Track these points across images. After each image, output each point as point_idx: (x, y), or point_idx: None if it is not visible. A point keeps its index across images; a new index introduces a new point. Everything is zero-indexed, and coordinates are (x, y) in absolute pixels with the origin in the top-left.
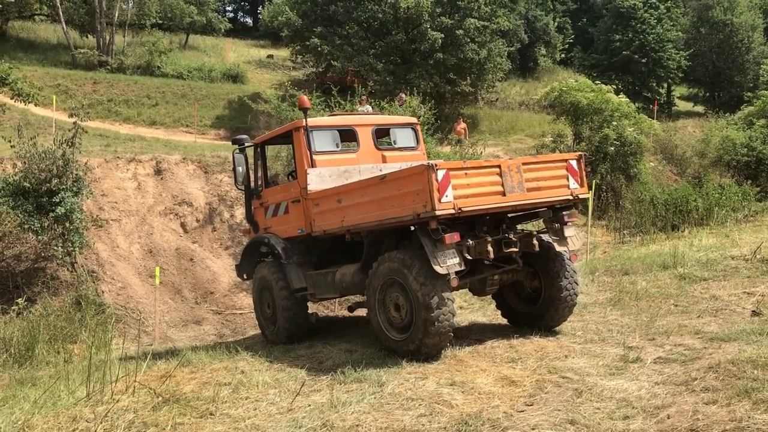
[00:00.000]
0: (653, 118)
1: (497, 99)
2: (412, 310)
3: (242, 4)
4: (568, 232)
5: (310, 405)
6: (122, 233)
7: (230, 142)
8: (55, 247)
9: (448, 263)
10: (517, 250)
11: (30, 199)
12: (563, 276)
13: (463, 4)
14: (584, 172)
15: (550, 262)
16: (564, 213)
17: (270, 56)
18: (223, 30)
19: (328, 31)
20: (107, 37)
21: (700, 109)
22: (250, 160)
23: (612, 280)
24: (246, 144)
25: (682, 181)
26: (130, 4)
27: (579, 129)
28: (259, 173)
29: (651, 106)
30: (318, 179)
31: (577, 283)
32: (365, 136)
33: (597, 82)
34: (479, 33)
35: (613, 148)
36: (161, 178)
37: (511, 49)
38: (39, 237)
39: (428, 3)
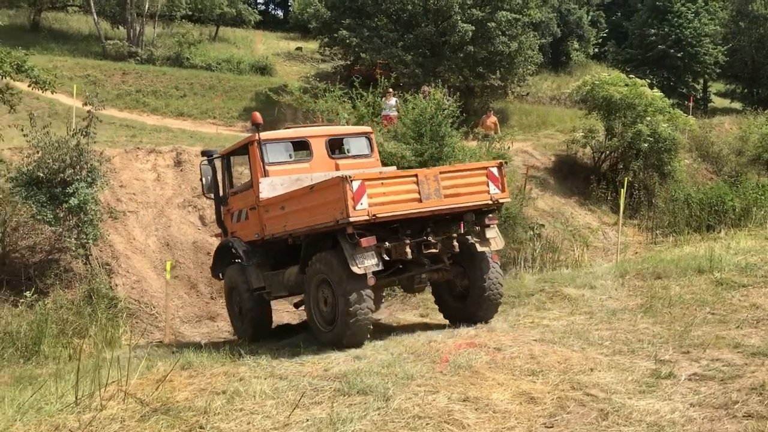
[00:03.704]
0: (689, 114)
1: (528, 93)
2: (336, 305)
3: None
4: (490, 233)
5: (308, 420)
6: (139, 225)
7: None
8: (68, 239)
9: (366, 264)
10: (437, 251)
11: (43, 189)
12: (487, 275)
13: None
14: (504, 179)
15: (475, 261)
16: (485, 217)
17: (299, 49)
18: (252, 22)
19: (357, 23)
20: (137, 28)
21: (737, 105)
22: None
23: (643, 285)
24: (213, 156)
25: (718, 179)
26: None
27: (611, 124)
28: (227, 182)
29: (686, 102)
30: (269, 188)
31: (501, 283)
32: (318, 147)
33: (631, 76)
34: (510, 25)
35: (646, 145)
36: (181, 170)
37: (543, 41)
38: (53, 228)
39: None
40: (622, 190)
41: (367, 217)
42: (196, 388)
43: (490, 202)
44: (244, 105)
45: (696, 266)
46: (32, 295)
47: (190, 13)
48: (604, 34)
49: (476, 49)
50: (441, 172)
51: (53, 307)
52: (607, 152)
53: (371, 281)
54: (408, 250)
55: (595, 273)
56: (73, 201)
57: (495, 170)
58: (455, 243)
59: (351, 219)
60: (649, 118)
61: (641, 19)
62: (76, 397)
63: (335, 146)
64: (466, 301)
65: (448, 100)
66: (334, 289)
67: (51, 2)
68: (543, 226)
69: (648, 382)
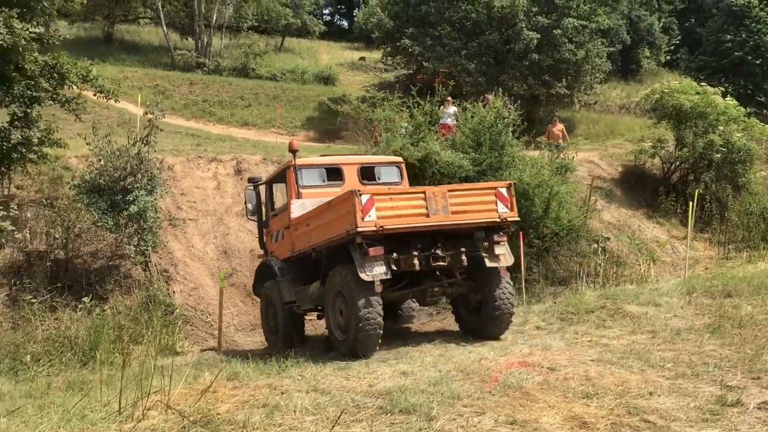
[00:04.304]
0: (767, 124)
1: (595, 102)
2: (349, 313)
3: (339, 7)
4: (499, 250)
5: None
6: (198, 233)
7: (247, 181)
8: (128, 246)
9: (374, 272)
10: (445, 264)
11: (104, 196)
12: (497, 288)
13: (561, 3)
14: (514, 198)
15: (487, 276)
16: (494, 234)
17: (362, 58)
18: (317, 32)
19: (420, 32)
20: (205, 40)
21: None
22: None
23: (712, 303)
24: (258, 183)
25: None
26: (230, 9)
27: (681, 134)
28: (268, 207)
29: (765, 110)
30: (300, 208)
31: (512, 294)
32: (350, 173)
33: (703, 84)
34: (577, 32)
35: (719, 155)
36: (240, 179)
37: (612, 49)
38: (113, 235)
39: (523, 2)
40: (691, 202)
41: (374, 228)
42: (238, 400)
43: (498, 219)
44: (306, 114)
45: None
46: (90, 300)
47: (256, 24)
48: (677, 41)
49: (542, 57)
50: (449, 190)
51: (111, 313)
52: (677, 163)
53: (379, 288)
54: (416, 261)
55: (660, 289)
56: (133, 208)
57: (504, 190)
58: (463, 257)
59: (359, 229)
60: (721, 128)
61: (716, 24)
62: (119, 406)
63: (368, 174)
64: (480, 315)
65: (509, 109)
66: (346, 297)
67: (123, 15)
68: (608, 239)
69: (712, 409)
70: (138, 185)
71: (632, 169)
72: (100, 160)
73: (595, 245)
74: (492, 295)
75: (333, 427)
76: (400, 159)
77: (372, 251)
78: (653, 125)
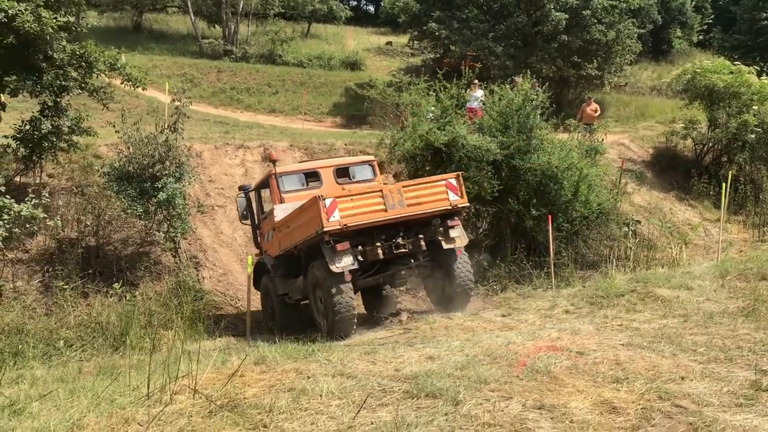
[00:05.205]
0: None
1: (626, 83)
2: (325, 301)
3: None
4: (453, 233)
5: (372, 423)
6: (227, 219)
7: (238, 188)
8: (158, 233)
9: (342, 264)
10: (407, 251)
11: (133, 183)
12: (455, 265)
13: None
14: (463, 187)
15: (447, 257)
16: (448, 219)
17: (389, 43)
18: (344, 18)
19: (446, 15)
20: (232, 27)
21: None
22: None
23: (746, 286)
24: (247, 190)
25: None
26: None
27: (714, 114)
28: (258, 210)
29: None
30: (283, 212)
31: (470, 271)
32: (327, 175)
33: (736, 63)
34: (607, 13)
35: (753, 136)
36: (268, 165)
37: (643, 30)
38: (143, 221)
39: None
40: (725, 184)
41: (339, 227)
42: (265, 384)
43: (450, 207)
44: (333, 100)
45: None
46: (121, 287)
47: (282, 10)
48: (710, 20)
49: (571, 38)
50: (403, 186)
51: (141, 299)
52: (710, 144)
53: (348, 277)
54: (380, 251)
55: (692, 273)
56: (162, 195)
57: (453, 181)
58: (422, 243)
59: (326, 229)
60: (756, 107)
61: (751, 2)
62: (147, 390)
63: (343, 173)
64: (445, 290)
65: (536, 91)
66: (322, 287)
67: (152, 4)
68: (639, 222)
69: (746, 394)
70: (166, 172)
71: (663, 151)
72: (129, 147)
73: (626, 228)
74: (452, 273)
75: (359, 411)
76: (372, 158)
77: (339, 246)
78: (685, 106)
